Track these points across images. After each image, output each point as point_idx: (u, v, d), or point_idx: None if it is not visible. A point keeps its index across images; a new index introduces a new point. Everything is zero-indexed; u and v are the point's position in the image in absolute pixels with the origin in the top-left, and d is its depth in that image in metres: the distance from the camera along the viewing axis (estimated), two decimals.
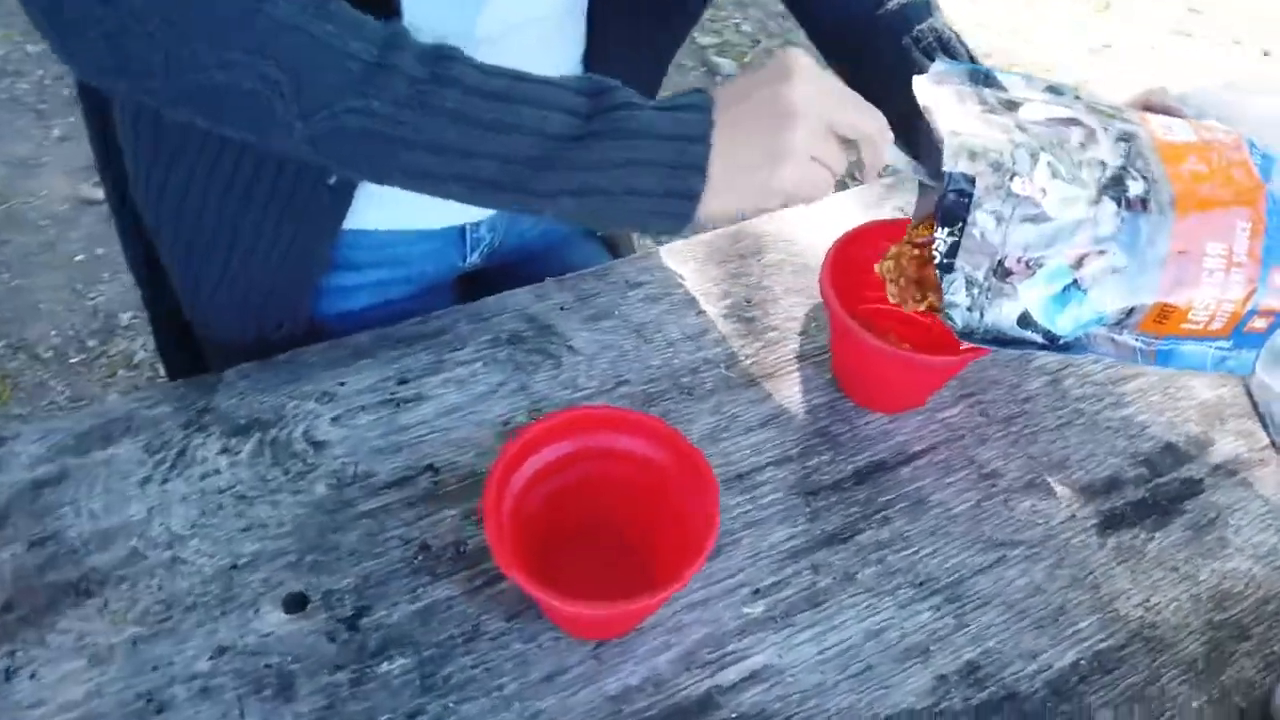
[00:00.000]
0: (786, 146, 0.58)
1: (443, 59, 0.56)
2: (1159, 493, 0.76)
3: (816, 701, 0.63)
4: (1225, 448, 0.80)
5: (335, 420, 0.74)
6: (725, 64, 2.57)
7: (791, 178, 0.59)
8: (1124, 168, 0.61)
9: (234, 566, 0.66)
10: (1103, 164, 0.61)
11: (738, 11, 2.75)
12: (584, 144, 0.57)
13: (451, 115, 0.56)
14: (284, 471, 0.71)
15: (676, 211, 0.59)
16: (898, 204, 0.95)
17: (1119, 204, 0.60)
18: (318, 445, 0.72)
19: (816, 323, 0.85)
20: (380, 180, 0.59)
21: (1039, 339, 0.62)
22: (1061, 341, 0.63)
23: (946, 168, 0.60)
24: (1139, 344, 0.64)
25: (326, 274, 0.82)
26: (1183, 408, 0.82)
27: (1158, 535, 0.74)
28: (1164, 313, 0.62)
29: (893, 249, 0.70)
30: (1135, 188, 0.60)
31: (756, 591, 0.68)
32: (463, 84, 0.56)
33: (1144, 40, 2.78)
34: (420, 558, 0.67)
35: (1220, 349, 0.64)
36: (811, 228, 0.92)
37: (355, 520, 0.69)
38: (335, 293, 0.86)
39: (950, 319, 0.62)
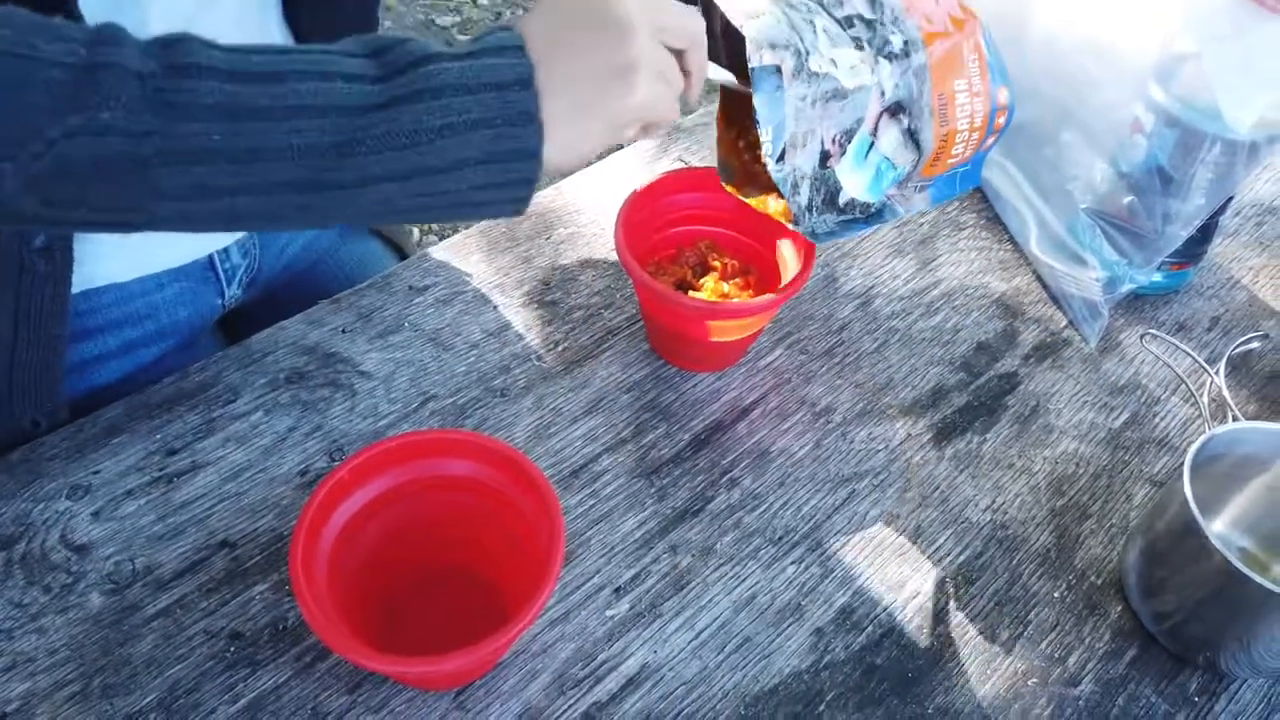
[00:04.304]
0: (630, 62, 0.50)
1: (173, 45, 0.45)
2: (981, 393, 0.77)
3: (702, 690, 0.60)
4: (1030, 336, 0.82)
5: (96, 515, 0.63)
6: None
7: (643, 100, 0.50)
8: (879, 21, 0.61)
9: (3, 716, 0.54)
10: (861, 19, 0.61)
11: None
12: (389, 113, 0.46)
13: (214, 111, 0.44)
14: (44, 590, 0.59)
15: (518, 177, 0.49)
16: (677, 155, 0.92)
17: (891, 61, 0.60)
18: (80, 550, 0.61)
19: (621, 292, 0.80)
20: (142, 221, 0.46)
21: (860, 215, 0.62)
22: (874, 209, 0.63)
23: (753, 64, 0.56)
24: (915, 192, 0.65)
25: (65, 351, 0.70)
26: (985, 305, 0.83)
27: (989, 435, 0.74)
28: (937, 155, 0.63)
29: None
30: (897, 41, 0.61)
31: (618, 590, 0.64)
32: (214, 70, 0.45)
33: None
34: (233, 649, 0.58)
35: (964, 170, 0.67)
36: (594, 194, 0.87)
37: (146, 625, 0.59)
38: (75, 370, 0.73)
39: (796, 220, 0.60)
